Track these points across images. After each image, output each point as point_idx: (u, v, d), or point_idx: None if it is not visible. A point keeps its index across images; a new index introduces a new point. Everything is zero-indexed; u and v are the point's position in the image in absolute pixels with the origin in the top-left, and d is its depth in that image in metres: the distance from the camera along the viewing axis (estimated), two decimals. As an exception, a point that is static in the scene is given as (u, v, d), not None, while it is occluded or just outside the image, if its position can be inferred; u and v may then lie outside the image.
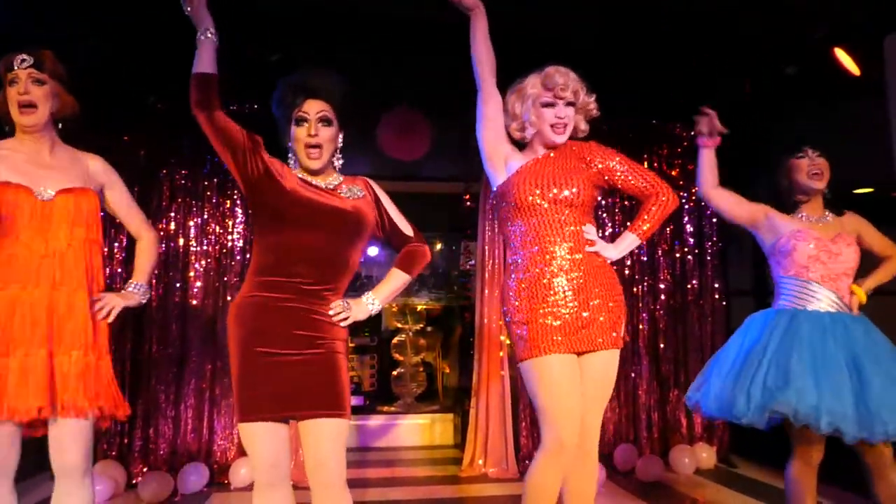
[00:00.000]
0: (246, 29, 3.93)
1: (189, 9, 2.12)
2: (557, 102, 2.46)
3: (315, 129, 2.17)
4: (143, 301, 2.49)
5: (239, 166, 2.14)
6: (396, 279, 2.39)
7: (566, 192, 2.40)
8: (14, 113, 2.25)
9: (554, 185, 2.41)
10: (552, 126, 2.47)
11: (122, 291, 2.44)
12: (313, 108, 2.18)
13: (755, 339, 2.77)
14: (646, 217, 2.50)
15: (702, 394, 2.84)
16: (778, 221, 2.88)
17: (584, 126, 2.56)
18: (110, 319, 2.32)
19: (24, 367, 2.10)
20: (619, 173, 2.51)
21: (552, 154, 2.52)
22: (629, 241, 2.52)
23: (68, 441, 2.18)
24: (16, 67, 2.24)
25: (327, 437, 2.10)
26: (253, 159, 2.13)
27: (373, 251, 8.50)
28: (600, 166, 2.50)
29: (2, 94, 2.28)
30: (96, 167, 2.42)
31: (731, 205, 2.92)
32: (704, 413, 2.82)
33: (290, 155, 2.26)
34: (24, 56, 2.24)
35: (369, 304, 2.30)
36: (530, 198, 2.41)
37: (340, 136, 2.28)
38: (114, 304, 2.34)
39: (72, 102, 2.38)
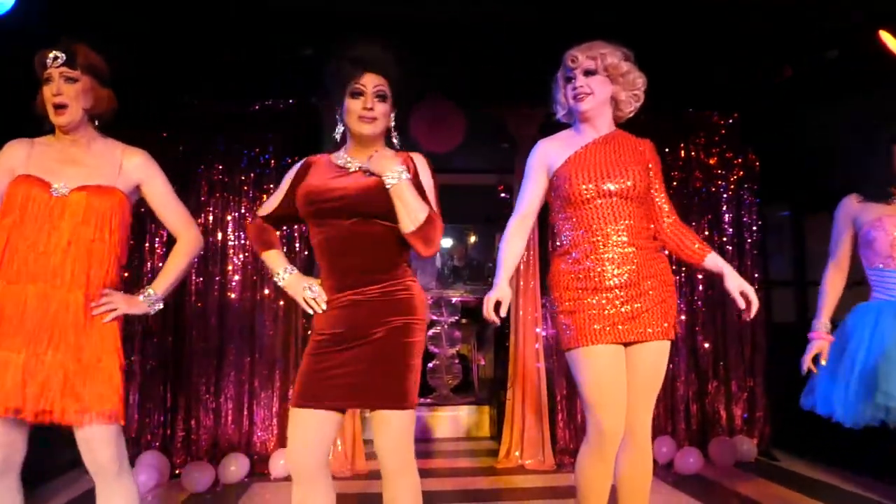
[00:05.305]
0: (278, 24, 3.97)
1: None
2: (575, 73, 2.42)
3: (371, 103, 2.13)
4: (151, 312, 2.32)
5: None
6: None
7: (620, 185, 2.36)
8: (50, 113, 2.18)
9: (607, 176, 2.37)
10: (574, 98, 2.42)
11: (133, 296, 2.28)
12: (370, 81, 2.14)
13: (845, 338, 2.75)
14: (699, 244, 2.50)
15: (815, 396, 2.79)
16: (862, 211, 2.77)
17: (623, 97, 2.46)
18: (105, 320, 2.16)
19: (7, 364, 2.02)
20: (654, 190, 2.50)
21: (602, 138, 2.46)
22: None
23: (93, 441, 2.10)
24: (49, 66, 2.15)
25: (387, 428, 2.13)
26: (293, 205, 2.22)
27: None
28: (651, 174, 2.48)
29: (40, 93, 2.20)
30: (133, 163, 2.31)
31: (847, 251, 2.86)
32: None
33: (338, 128, 2.22)
34: (56, 53, 2.15)
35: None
36: (584, 189, 2.36)
37: (393, 114, 2.23)
38: (114, 306, 2.19)
39: (107, 95, 2.28)
